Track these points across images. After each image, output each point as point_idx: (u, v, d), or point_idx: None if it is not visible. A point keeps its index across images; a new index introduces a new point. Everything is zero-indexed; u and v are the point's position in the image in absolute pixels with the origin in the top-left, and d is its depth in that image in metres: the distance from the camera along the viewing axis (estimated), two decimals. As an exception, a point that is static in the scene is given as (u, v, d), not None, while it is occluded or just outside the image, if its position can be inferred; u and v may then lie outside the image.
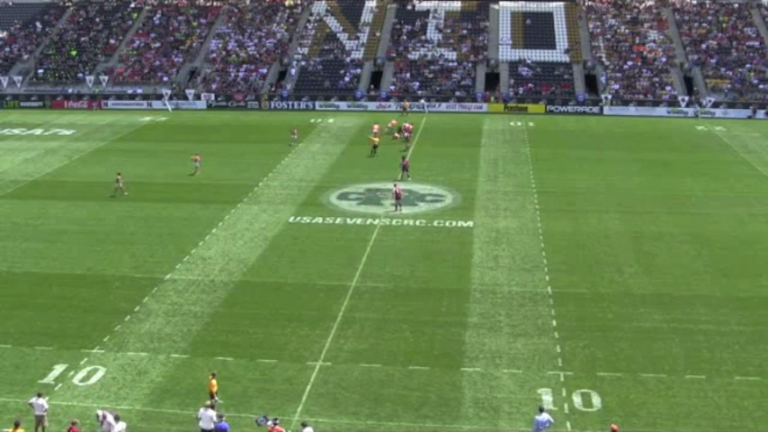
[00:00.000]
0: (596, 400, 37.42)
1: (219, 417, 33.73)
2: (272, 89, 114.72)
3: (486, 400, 37.29)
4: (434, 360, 40.76)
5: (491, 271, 52.35)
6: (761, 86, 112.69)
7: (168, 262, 53.63)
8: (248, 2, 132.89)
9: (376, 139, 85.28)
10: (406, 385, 38.32)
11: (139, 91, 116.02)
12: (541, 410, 34.11)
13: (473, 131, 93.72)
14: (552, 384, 38.61)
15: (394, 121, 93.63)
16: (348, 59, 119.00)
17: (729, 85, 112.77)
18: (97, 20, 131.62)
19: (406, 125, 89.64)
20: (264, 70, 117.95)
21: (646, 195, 69.75)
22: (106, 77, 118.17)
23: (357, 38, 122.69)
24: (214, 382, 36.64)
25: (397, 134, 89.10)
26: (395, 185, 66.42)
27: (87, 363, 40.55)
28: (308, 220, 62.43)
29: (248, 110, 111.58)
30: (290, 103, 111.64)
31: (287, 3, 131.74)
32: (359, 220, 62.35)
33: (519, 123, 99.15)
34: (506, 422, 35.65)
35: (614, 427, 32.64)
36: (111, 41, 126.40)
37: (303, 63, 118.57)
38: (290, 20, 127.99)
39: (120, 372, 39.68)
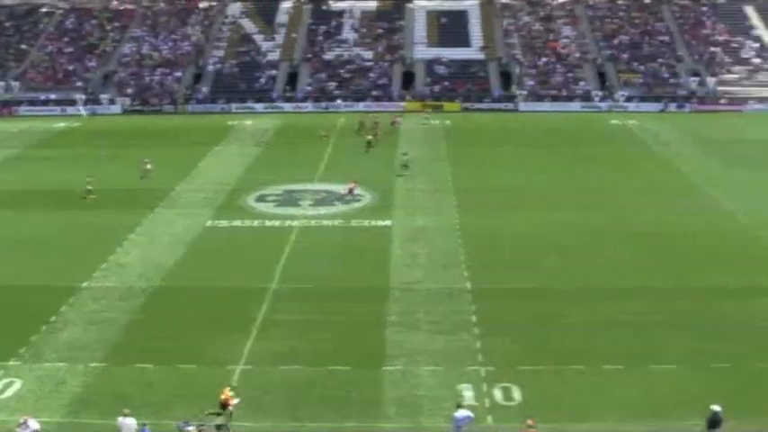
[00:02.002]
0: (517, 393, 37.84)
1: (142, 425, 33.49)
2: (188, 92, 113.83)
3: (407, 397, 37.52)
4: (355, 360, 40.88)
5: (409, 269, 52.63)
6: (672, 80, 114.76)
7: (85, 269, 52.87)
8: (162, 5, 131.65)
9: (369, 137, 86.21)
10: (328, 386, 38.41)
11: (53, 96, 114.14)
12: (459, 407, 34.41)
13: (391, 130, 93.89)
14: (473, 380, 38.95)
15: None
16: (264, 61, 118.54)
17: (641, 80, 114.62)
18: (7, 24, 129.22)
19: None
20: (180, 73, 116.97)
21: (563, 190, 70.63)
22: (17, 83, 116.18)
23: (273, 39, 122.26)
24: (230, 394, 35.99)
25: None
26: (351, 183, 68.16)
27: (3, 375, 39.79)
28: (226, 224, 62.15)
29: (164, 114, 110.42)
30: (207, 105, 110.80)
31: (201, 5, 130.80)
32: (277, 222, 62.23)
33: (435, 122, 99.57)
34: (427, 419, 35.93)
35: (530, 422, 33.06)
36: (23, 46, 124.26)
37: (219, 65, 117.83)
38: (205, 22, 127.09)
39: (37, 383, 39.07)
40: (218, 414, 35.38)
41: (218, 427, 34.85)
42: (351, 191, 67.98)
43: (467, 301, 47.97)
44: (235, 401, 35.69)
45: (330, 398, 37.30)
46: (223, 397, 35.64)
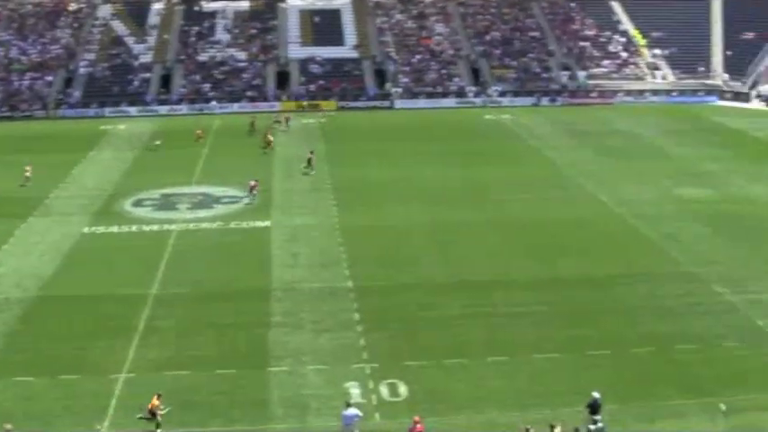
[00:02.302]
0: (403, 389, 38.24)
1: None
2: (60, 97, 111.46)
3: (293, 398, 37.58)
4: (240, 362, 40.76)
5: (291, 269, 52.64)
6: (544, 75, 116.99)
7: (-42, 282, 51.54)
8: (30, 7, 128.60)
9: (270, 137, 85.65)
10: (214, 390, 38.17)
11: None
12: (348, 405, 34.59)
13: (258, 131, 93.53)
14: (359, 377, 39.21)
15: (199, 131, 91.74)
16: (136, 63, 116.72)
17: (514, 75, 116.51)
18: None
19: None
20: (50, 77, 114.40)
21: (441, 185, 71.34)
22: None
23: (145, 41, 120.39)
24: (157, 402, 35.47)
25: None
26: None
27: None
28: (104, 230, 61.11)
29: (35, 119, 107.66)
30: (79, 110, 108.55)
31: (70, 8, 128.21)
32: (155, 227, 61.49)
33: (311, 120, 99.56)
34: (315, 418, 36.06)
35: (417, 419, 33.39)
36: None
37: (90, 69, 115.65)
38: (75, 25, 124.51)
39: None
40: (147, 419, 35.08)
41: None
42: (252, 189, 67.50)
43: (349, 298, 48.26)
44: (162, 411, 35.33)
45: (217, 402, 37.10)
46: (150, 405, 35.27)
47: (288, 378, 39.29)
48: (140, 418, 35.34)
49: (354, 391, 37.85)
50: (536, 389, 38.42)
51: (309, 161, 76.81)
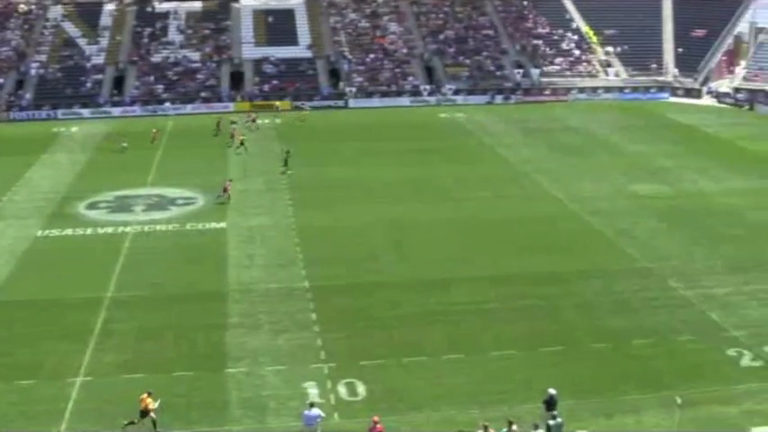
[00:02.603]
0: (361, 388, 38.26)
1: None
2: (11, 99, 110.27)
3: (252, 399, 37.47)
4: (198, 364, 40.57)
5: (247, 270, 52.49)
6: (497, 73, 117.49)
7: None
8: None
9: (242, 137, 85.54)
10: (172, 392, 37.85)
11: None
12: (312, 405, 34.53)
13: (223, 131, 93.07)
14: (317, 377, 39.17)
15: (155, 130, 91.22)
16: (89, 65, 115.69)
17: (468, 73, 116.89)
18: None
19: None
20: (1, 80, 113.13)
21: (397, 184, 71.49)
22: None
23: (97, 42, 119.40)
24: (149, 400, 35.32)
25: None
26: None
27: None
28: (58, 233, 60.54)
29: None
30: (31, 112, 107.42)
31: (20, 9, 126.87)
32: (110, 229, 61.00)
33: (266, 121, 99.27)
34: (274, 419, 35.98)
35: (376, 419, 33.41)
36: None
37: (42, 71, 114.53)
38: (26, 26, 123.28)
39: None
40: (133, 423, 34.94)
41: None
42: (225, 190, 67.30)
43: (306, 298, 48.21)
44: (155, 405, 35.18)
45: (175, 404, 36.83)
46: (142, 404, 35.07)
47: (246, 379, 39.17)
48: (128, 424, 35.04)
49: (312, 391, 37.82)
50: (494, 386, 38.59)
51: (286, 161, 76.96)
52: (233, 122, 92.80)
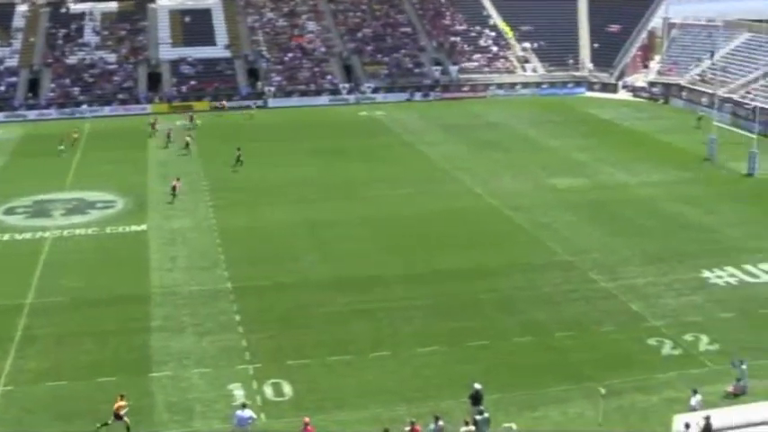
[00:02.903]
0: (287, 388, 38.21)
1: None
2: None
3: (178, 402, 37.17)
4: (122, 369, 40.09)
5: (169, 272, 52.06)
6: (416, 70, 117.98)
7: None
8: None
9: (188, 138, 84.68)
10: (96, 398, 37.34)
11: None
12: (244, 406, 34.36)
13: (140, 133, 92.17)
14: (242, 378, 39.03)
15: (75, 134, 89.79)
16: (2, 68, 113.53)
17: (386, 71, 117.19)
18: None
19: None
20: None
21: (318, 183, 71.44)
22: None
23: (10, 45, 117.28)
24: (122, 403, 35.00)
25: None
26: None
27: None
28: (-26, 240, 59.52)
29: None
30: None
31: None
32: (28, 235, 59.95)
33: (185, 122, 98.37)
34: (201, 422, 35.74)
35: (306, 420, 33.35)
36: None
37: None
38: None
39: None
40: (107, 424, 34.68)
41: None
42: (174, 189, 67.16)
43: (229, 300, 48.00)
44: (125, 409, 34.92)
45: (99, 411, 36.20)
46: (115, 408, 34.81)
47: (171, 383, 38.84)
48: (102, 425, 34.78)
49: (238, 392, 37.64)
50: (420, 382, 38.77)
51: (238, 158, 77.06)
52: (150, 124, 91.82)
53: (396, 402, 36.93)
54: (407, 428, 32.59)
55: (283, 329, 44.16)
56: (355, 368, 40.13)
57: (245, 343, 42.56)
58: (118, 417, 34.77)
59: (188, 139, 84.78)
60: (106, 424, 34.82)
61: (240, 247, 56.29)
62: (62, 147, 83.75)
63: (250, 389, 38.08)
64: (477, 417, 33.61)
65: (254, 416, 34.23)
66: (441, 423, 32.94)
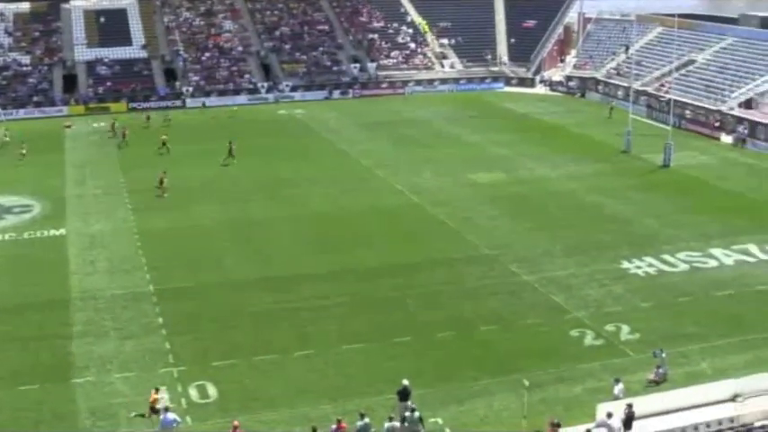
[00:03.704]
0: (212, 390, 37.97)
1: None
2: None
3: (102, 408, 36.68)
4: (43, 376, 39.44)
5: (90, 277, 51.37)
6: (334, 68, 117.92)
7: None
8: None
9: (164, 136, 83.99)
10: (18, 407, 36.78)
11: None
12: (167, 410, 34.11)
13: (56, 136, 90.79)
14: (167, 381, 38.65)
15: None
16: None
17: (305, 69, 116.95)
18: None
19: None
20: None
21: (241, 183, 71.12)
22: None
23: None
24: (156, 396, 35.21)
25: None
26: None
27: None
28: None
29: None
30: None
31: None
32: (-57, 241, 58.92)
33: (102, 124, 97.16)
34: (126, 427, 35.35)
35: (236, 423, 33.20)
36: None
37: None
38: None
39: None
40: (143, 416, 35.05)
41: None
42: (161, 183, 67.76)
43: (151, 302, 47.53)
44: (163, 399, 35.47)
45: (22, 419, 35.78)
46: (151, 401, 35.01)
47: (94, 388, 38.33)
48: (137, 415, 35.19)
49: (163, 395, 37.28)
50: (345, 380, 38.80)
51: (230, 151, 77.65)
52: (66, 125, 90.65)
53: (322, 400, 36.93)
54: (334, 426, 32.60)
55: (208, 331, 43.88)
56: (281, 367, 40.04)
57: (168, 345, 42.20)
58: (154, 410, 34.85)
59: (164, 137, 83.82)
60: (142, 415, 35.02)
61: (162, 249, 55.81)
62: (24, 151, 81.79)
63: (175, 392, 37.76)
64: (407, 414, 33.70)
65: (179, 419, 33.96)
66: (366, 420, 32.98)
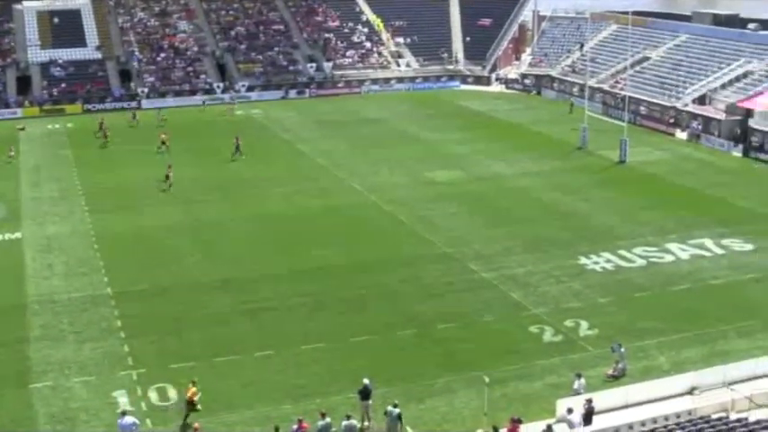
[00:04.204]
0: (173, 392, 37.76)
1: None
2: None
3: (61, 413, 36.39)
4: (1, 381, 39.02)
5: (46, 280, 50.89)
6: (290, 68, 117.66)
7: None
8: None
9: (164, 135, 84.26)
10: (-26, 413, 36.57)
11: None
12: (124, 414, 33.83)
13: (9, 139, 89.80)
14: (126, 385, 38.46)
15: None
16: None
17: (261, 69, 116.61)
18: None
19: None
20: None
21: (197, 184, 70.75)
22: None
23: None
24: (194, 389, 35.20)
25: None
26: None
27: None
28: None
29: None
30: None
31: None
32: None
33: (57, 126, 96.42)
34: (85, 431, 35.10)
35: (197, 426, 33.07)
36: None
37: None
38: None
39: None
40: (187, 415, 35.21)
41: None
42: (167, 177, 69.33)
43: (110, 305, 47.19)
44: (198, 395, 35.47)
45: (-22, 425, 35.60)
46: (189, 395, 35.16)
47: (52, 393, 37.98)
48: (171, 405, 36.02)
49: (122, 399, 37.07)
50: (305, 379, 38.77)
51: (237, 147, 78.72)
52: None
53: (282, 401, 36.88)
54: (295, 426, 32.57)
55: (167, 333, 43.65)
56: (241, 368, 39.92)
57: (127, 348, 41.93)
58: (192, 404, 35.14)
59: (164, 136, 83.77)
60: (187, 414, 35.14)
61: (120, 252, 55.43)
62: (12, 153, 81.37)
63: (134, 395, 37.54)
64: (388, 408, 33.80)
65: (137, 421, 33.72)
66: (327, 419, 32.96)
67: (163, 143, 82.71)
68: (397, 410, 33.66)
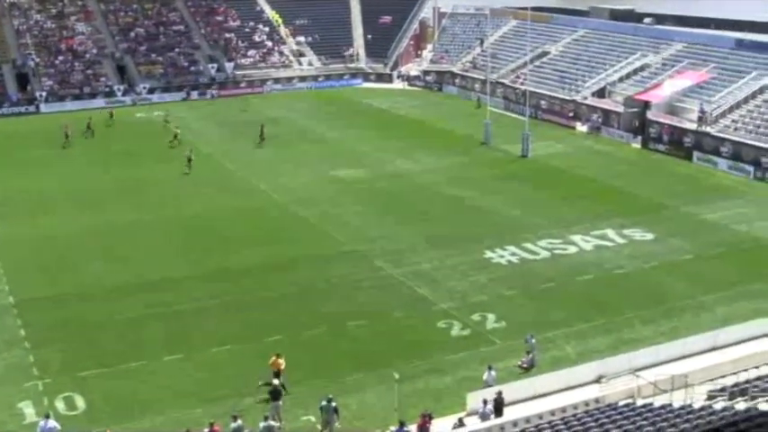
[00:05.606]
0: (80, 401, 37.27)
1: None
2: None
3: (-36, 425, 35.74)
4: None
5: (-55, 291, 49.76)
6: (192, 69, 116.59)
7: None
8: None
9: (177, 129, 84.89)
10: None
11: None
12: (47, 417, 33.38)
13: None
14: (32, 395, 37.75)
15: None
16: None
17: (162, 70, 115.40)
18: None
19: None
20: None
21: (99, 188, 69.71)
22: None
23: None
24: (280, 361, 37.17)
25: None
26: None
27: None
28: None
29: None
30: None
31: None
32: None
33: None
34: (-13, 443, 34.53)
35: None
36: None
37: None
38: None
39: None
40: (268, 384, 35.83)
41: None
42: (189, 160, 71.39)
43: (12, 315, 46.22)
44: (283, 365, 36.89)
45: None
46: (275, 366, 36.79)
47: (-45, 407, 37.25)
48: (263, 384, 36.04)
49: (28, 410, 36.41)
50: (216, 382, 38.56)
51: (261, 134, 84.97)
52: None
53: (194, 404, 36.64)
54: (206, 430, 32.37)
55: (73, 341, 42.96)
56: (151, 373, 39.54)
57: (32, 358, 41.14)
58: (277, 375, 35.91)
59: (176, 131, 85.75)
60: (267, 384, 35.53)
61: (21, 259, 54.33)
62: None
63: (41, 405, 36.83)
64: (324, 403, 33.92)
65: (58, 426, 33.26)
66: (240, 422, 32.84)
67: (175, 137, 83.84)
68: (333, 404, 33.85)
